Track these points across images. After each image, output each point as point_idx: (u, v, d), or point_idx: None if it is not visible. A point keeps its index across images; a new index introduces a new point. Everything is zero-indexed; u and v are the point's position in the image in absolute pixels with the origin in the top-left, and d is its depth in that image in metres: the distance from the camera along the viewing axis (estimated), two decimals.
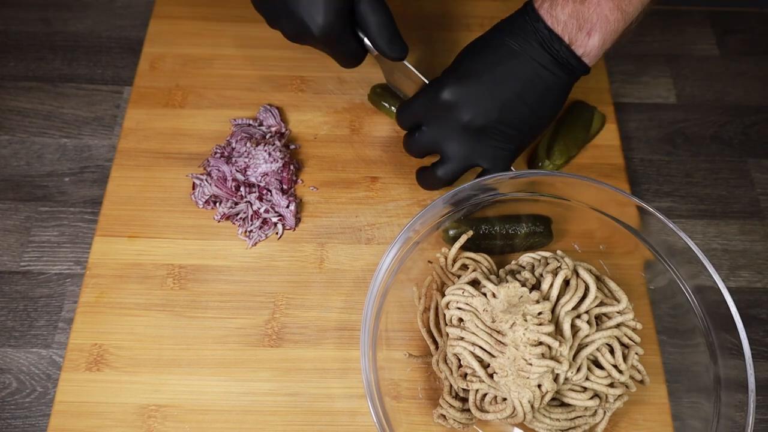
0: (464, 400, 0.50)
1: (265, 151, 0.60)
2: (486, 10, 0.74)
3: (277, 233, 0.60)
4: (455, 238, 0.54)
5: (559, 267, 0.50)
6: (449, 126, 0.53)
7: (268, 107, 0.64)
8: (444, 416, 0.50)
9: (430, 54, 0.71)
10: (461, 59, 0.54)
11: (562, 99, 0.53)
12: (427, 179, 0.58)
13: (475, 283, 0.52)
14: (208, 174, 0.60)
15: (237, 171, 0.59)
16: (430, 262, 0.55)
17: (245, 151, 0.60)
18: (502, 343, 0.47)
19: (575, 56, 0.50)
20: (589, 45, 0.50)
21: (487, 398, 0.48)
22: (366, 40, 0.55)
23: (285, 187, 0.60)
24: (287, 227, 0.60)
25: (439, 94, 0.52)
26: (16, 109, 0.68)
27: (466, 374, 0.49)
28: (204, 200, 0.60)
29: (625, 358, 0.49)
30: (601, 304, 0.50)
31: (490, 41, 0.53)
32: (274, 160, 0.59)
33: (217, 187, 0.58)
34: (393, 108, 0.64)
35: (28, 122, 0.67)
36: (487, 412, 0.48)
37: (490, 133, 0.52)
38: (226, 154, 0.61)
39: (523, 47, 0.51)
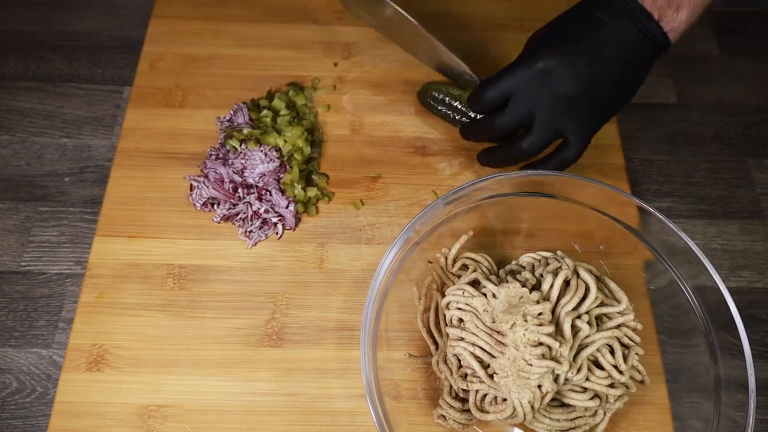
0: (464, 400, 0.50)
1: (261, 151, 0.59)
2: (486, 9, 0.74)
3: (277, 233, 0.59)
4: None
5: (560, 267, 0.50)
6: (543, 96, 0.52)
7: (240, 105, 0.64)
8: (444, 416, 0.50)
9: None
10: (553, 30, 0.54)
11: (644, 76, 0.53)
12: (503, 155, 0.57)
13: (475, 284, 0.51)
14: (206, 176, 0.60)
15: (234, 172, 0.59)
16: (430, 262, 0.55)
17: (240, 152, 0.60)
18: (503, 344, 0.47)
19: (662, 32, 0.50)
20: (677, 20, 0.50)
21: (488, 399, 0.48)
22: None
23: (283, 186, 0.60)
24: (287, 227, 0.60)
25: (536, 64, 0.51)
26: (16, 109, 0.68)
27: (466, 375, 0.49)
28: (202, 202, 0.59)
29: (625, 358, 0.49)
30: (602, 304, 0.50)
31: (582, 14, 0.53)
32: (271, 160, 0.59)
33: (215, 189, 0.58)
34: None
35: (28, 122, 0.67)
36: (488, 412, 0.48)
37: (580, 104, 0.52)
38: (221, 155, 0.61)
39: (614, 22, 0.51)
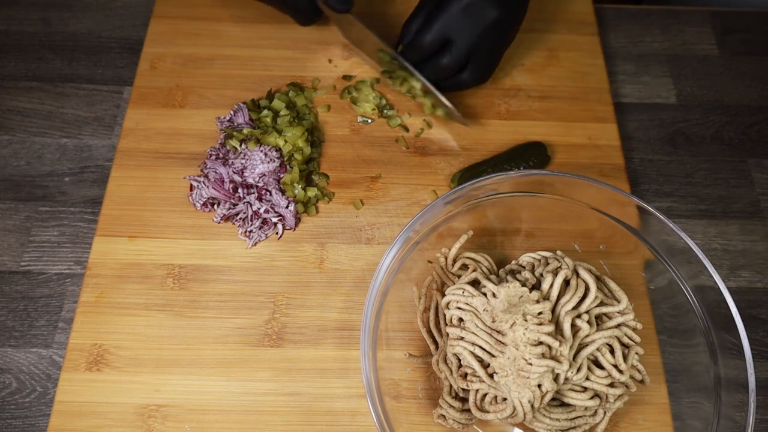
0: (464, 400, 0.50)
1: (261, 151, 0.60)
2: None
3: (277, 233, 0.59)
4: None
5: (560, 267, 0.50)
6: (476, 28, 0.59)
7: (240, 105, 0.64)
8: (444, 416, 0.50)
9: None
10: None
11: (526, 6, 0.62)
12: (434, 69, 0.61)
13: (475, 283, 0.51)
14: (206, 176, 0.60)
15: (234, 172, 0.59)
16: (430, 262, 0.55)
17: (240, 152, 0.60)
18: (502, 343, 0.47)
19: None
20: None
21: (488, 398, 0.48)
22: None
23: (283, 186, 0.60)
24: (287, 227, 0.60)
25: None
26: (16, 109, 0.68)
27: (466, 374, 0.49)
28: (202, 202, 0.59)
29: (625, 358, 0.49)
30: (602, 304, 0.50)
31: None
32: (271, 160, 0.59)
33: (215, 189, 0.58)
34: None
35: (28, 122, 0.67)
36: (488, 412, 0.48)
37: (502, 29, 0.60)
38: (221, 155, 0.61)
39: None
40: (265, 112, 0.62)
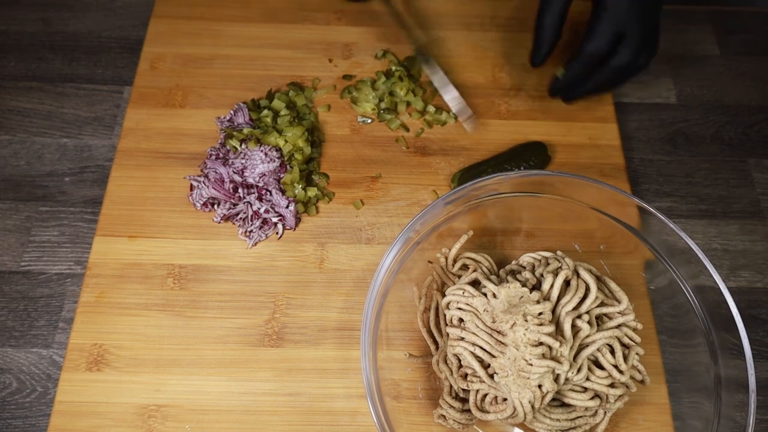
0: (464, 400, 0.50)
1: (261, 151, 0.59)
2: (486, 9, 0.74)
3: (277, 233, 0.59)
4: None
5: (560, 267, 0.50)
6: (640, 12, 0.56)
7: (240, 105, 0.64)
8: (444, 416, 0.50)
9: (436, 54, 0.71)
10: None
11: None
12: (599, 79, 0.60)
13: (475, 284, 0.51)
14: (206, 176, 0.60)
15: (234, 172, 0.59)
16: (430, 262, 0.55)
17: (241, 151, 0.60)
18: (503, 344, 0.47)
19: None
20: None
21: (488, 398, 0.48)
22: None
23: (283, 186, 0.60)
24: (287, 227, 0.60)
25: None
26: (16, 109, 0.68)
27: (466, 374, 0.49)
28: (202, 202, 0.59)
29: (625, 358, 0.49)
30: (602, 304, 0.50)
31: None
32: (271, 160, 0.59)
33: (215, 189, 0.58)
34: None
35: (29, 122, 0.67)
36: (488, 412, 0.48)
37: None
38: (221, 155, 0.61)
39: None
40: (266, 112, 0.62)
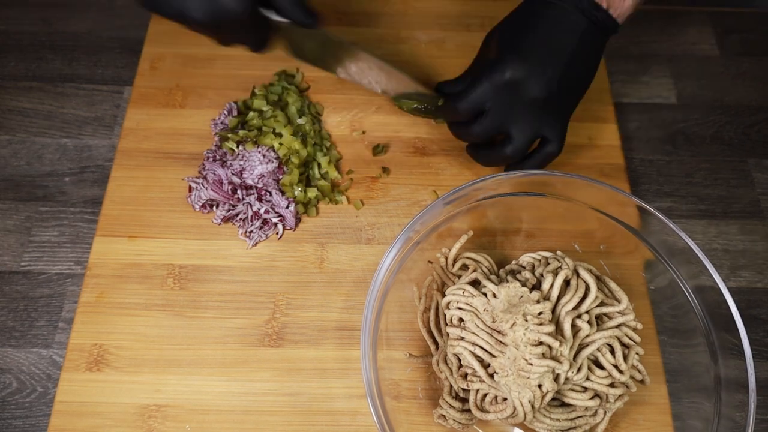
0: (464, 400, 0.50)
1: (259, 152, 0.59)
2: (486, 10, 0.74)
3: (277, 233, 0.59)
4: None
5: (560, 267, 0.50)
6: (514, 104, 0.54)
7: (231, 105, 0.64)
8: (444, 416, 0.50)
9: (436, 54, 0.71)
10: (509, 32, 0.55)
11: (599, 60, 0.56)
12: (491, 158, 0.59)
13: (475, 283, 0.52)
14: (204, 177, 0.60)
15: (233, 174, 0.59)
16: (430, 262, 0.55)
17: (238, 153, 0.60)
18: (503, 343, 0.47)
19: (612, 19, 0.53)
20: (624, 7, 0.53)
21: (488, 398, 0.48)
22: (272, 17, 0.53)
23: (282, 188, 0.60)
24: (287, 227, 0.60)
25: (504, 75, 0.53)
26: (17, 109, 0.68)
27: (466, 374, 0.49)
28: (201, 204, 0.59)
29: (625, 358, 0.49)
30: (602, 304, 0.50)
31: (532, 13, 0.54)
32: (269, 160, 0.59)
33: (213, 191, 0.58)
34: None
35: (29, 122, 0.67)
36: (488, 412, 0.48)
37: (551, 104, 0.54)
38: (218, 157, 0.61)
39: (566, 16, 0.53)
40: (251, 114, 0.62)
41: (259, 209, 0.58)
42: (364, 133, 0.65)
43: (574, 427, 0.50)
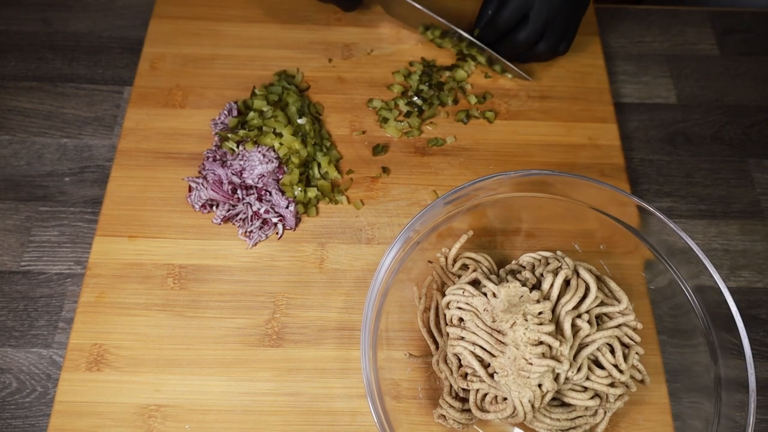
0: (464, 400, 0.50)
1: (259, 152, 0.59)
2: None
3: (277, 233, 0.59)
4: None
5: (560, 267, 0.50)
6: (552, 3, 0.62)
7: (231, 104, 0.64)
8: (444, 416, 0.50)
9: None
10: None
11: None
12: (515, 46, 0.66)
13: (475, 283, 0.52)
14: (204, 177, 0.60)
15: (233, 174, 0.59)
16: (430, 262, 0.55)
17: (238, 153, 0.60)
18: (503, 343, 0.47)
19: None
20: None
21: (488, 398, 0.48)
22: None
23: (282, 188, 0.60)
24: (287, 227, 0.60)
25: None
26: (16, 109, 0.68)
27: (466, 374, 0.49)
28: (200, 204, 0.59)
29: (625, 357, 0.49)
30: (602, 304, 0.50)
31: None
32: (269, 160, 0.59)
33: (213, 190, 0.58)
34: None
35: (29, 122, 0.67)
36: (488, 411, 0.48)
37: (571, 6, 0.63)
38: (218, 157, 0.61)
39: None
40: (251, 114, 0.62)
41: (259, 209, 0.58)
42: (364, 133, 0.65)
43: (574, 427, 0.50)
